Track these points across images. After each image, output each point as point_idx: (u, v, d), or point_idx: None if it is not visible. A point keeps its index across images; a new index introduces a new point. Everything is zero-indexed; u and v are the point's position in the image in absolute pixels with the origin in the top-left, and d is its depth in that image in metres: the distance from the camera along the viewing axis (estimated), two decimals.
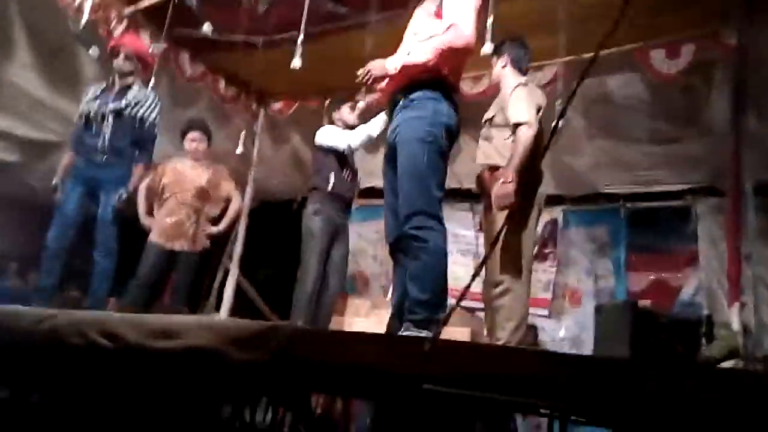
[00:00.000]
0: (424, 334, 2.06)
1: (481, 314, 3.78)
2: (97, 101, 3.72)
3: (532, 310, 6.28)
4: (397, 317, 2.22)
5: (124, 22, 4.99)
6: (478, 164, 3.01)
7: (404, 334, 2.06)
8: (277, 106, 6.38)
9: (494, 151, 2.92)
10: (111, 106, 3.67)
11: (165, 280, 4.28)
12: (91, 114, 3.67)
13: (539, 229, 6.52)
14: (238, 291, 6.41)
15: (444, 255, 2.22)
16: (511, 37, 3.19)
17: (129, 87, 3.77)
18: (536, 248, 6.45)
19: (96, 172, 3.64)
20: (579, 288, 6.18)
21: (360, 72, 2.34)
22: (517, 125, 2.79)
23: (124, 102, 3.69)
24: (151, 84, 3.99)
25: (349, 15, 4.44)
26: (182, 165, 4.46)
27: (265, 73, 5.50)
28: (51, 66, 4.95)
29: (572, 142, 5.63)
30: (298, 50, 3.48)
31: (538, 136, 2.82)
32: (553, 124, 4.28)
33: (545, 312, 6.20)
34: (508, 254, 2.78)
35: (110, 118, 3.64)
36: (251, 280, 6.37)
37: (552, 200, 6.45)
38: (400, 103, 2.33)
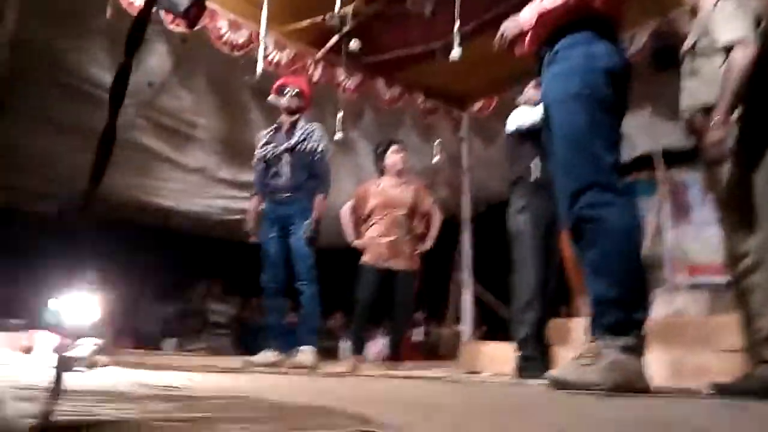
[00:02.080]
0: (620, 342, 1.59)
1: None
2: (272, 143, 3.96)
3: None
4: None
5: (321, 64, 5.42)
6: (686, 109, 2.32)
7: (594, 344, 1.61)
8: (478, 106, 6.17)
9: (704, 86, 2.22)
10: (285, 145, 3.88)
11: (385, 299, 4.32)
12: (268, 156, 3.93)
13: None
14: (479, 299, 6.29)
15: (631, 234, 1.67)
16: None
17: (296, 123, 3.94)
18: None
19: (284, 210, 3.84)
20: None
21: (496, 39, 1.96)
22: (728, 48, 2.12)
23: (294, 139, 3.87)
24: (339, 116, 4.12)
25: None
26: (386, 184, 4.45)
27: (456, 75, 5.37)
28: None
29: None
30: (455, 40, 3.23)
31: (764, 56, 2.08)
32: None
33: None
34: (746, 216, 2.08)
35: (286, 157, 3.85)
36: (492, 286, 6.18)
37: None
38: (545, 59, 1.87)
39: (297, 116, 3.95)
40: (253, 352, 3.84)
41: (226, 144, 5.99)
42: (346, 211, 4.51)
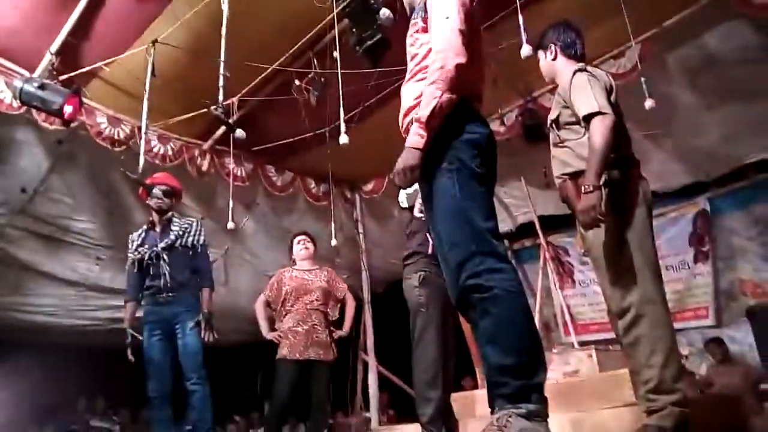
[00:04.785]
0: (524, 409, 1.60)
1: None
2: (146, 244, 3.80)
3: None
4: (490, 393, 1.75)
5: (209, 155, 5.37)
6: (557, 177, 2.51)
7: (498, 415, 1.62)
8: (369, 187, 6.33)
9: (570, 155, 2.39)
10: (161, 244, 3.75)
11: (306, 392, 4.02)
12: (145, 258, 3.75)
13: (687, 225, 5.71)
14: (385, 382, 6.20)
15: (519, 299, 1.73)
16: (553, 23, 2.75)
17: (170, 221, 3.85)
18: (694, 249, 5.64)
19: (167, 311, 3.65)
20: (759, 279, 5.18)
21: (395, 180, 1.88)
22: (588, 118, 2.29)
23: (172, 236, 3.75)
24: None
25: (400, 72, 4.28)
26: (299, 270, 4.30)
27: (347, 158, 5.50)
28: None
29: (690, 120, 4.94)
30: (342, 127, 3.34)
31: (618, 123, 2.31)
32: (648, 103, 3.86)
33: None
34: (623, 273, 2.25)
35: (165, 256, 3.70)
36: (396, 367, 6.12)
37: (692, 190, 5.67)
38: None
39: (170, 214, 3.83)
40: None
41: (110, 248, 5.62)
42: (259, 304, 4.26)
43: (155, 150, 4.87)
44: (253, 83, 4.44)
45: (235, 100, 4.26)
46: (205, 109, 3.82)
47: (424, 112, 1.82)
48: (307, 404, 4.09)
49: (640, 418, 2.23)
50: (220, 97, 3.30)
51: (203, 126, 5.05)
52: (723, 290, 5.42)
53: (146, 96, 3.93)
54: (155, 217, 3.82)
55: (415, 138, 1.83)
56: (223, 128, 4.92)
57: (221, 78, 3.20)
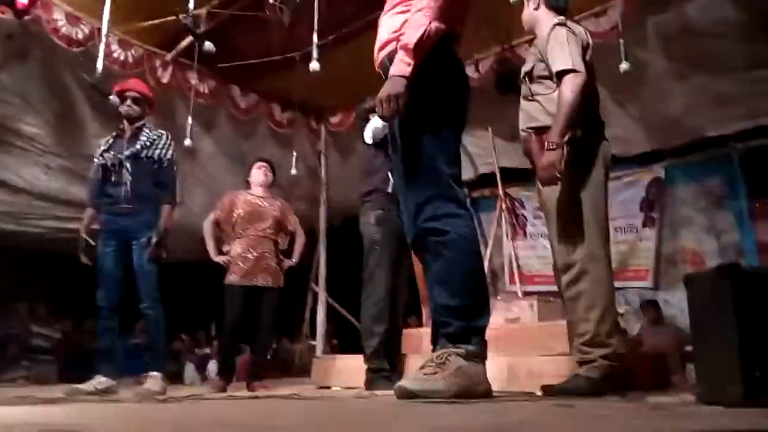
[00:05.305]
0: (463, 349, 1.67)
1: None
2: (112, 151, 3.65)
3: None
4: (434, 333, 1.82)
5: (171, 66, 5.14)
6: (522, 130, 2.52)
7: (438, 353, 1.69)
8: (336, 120, 6.22)
9: (538, 110, 2.37)
10: (126, 152, 3.60)
11: (253, 317, 4.08)
12: (109, 164, 3.61)
13: (641, 191, 5.86)
14: (332, 313, 6.31)
15: (472, 245, 1.79)
16: None
17: (140, 130, 3.70)
18: (643, 215, 5.82)
19: (124, 222, 3.54)
20: (700, 249, 5.42)
21: (377, 110, 1.81)
22: (561, 74, 2.27)
23: (138, 145, 3.61)
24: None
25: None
26: (253, 195, 4.29)
27: (315, 87, 5.35)
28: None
29: (658, 87, 4.97)
30: (314, 53, 3.22)
31: (590, 83, 2.32)
32: (623, 66, 3.87)
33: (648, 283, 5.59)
34: (574, 230, 2.31)
35: (128, 165, 3.57)
36: (344, 300, 6.21)
37: (650, 157, 5.79)
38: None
39: (140, 123, 3.69)
40: (83, 380, 3.45)
41: (60, 155, 5.37)
42: (208, 223, 4.24)
43: (115, 55, 4.62)
44: None
45: (204, 10, 4.04)
46: (173, 17, 3.62)
47: (411, 38, 1.76)
48: (254, 328, 4.16)
49: (573, 367, 2.35)
50: (190, 5, 3.12)
51: (168, 35, 4.79)
52: (665, 256, 5.66)
53: None
54: (125, 124, 3.67)
55: (401, 66, 1.78)
56: (188, 39, 4.70)
57: None
